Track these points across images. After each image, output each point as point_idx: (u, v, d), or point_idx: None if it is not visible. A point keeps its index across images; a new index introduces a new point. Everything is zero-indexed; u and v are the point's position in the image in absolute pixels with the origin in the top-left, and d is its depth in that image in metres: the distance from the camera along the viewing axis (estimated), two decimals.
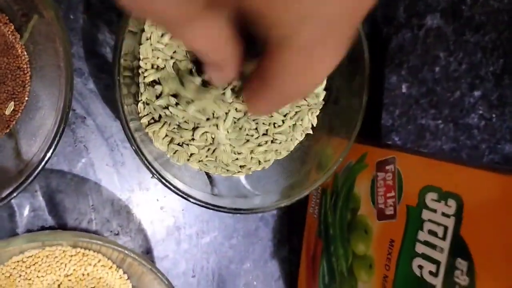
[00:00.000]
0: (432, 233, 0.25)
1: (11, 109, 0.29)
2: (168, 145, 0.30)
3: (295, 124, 0.32)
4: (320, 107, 0.32)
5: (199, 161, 0.31)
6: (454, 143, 0.43)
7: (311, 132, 0.33)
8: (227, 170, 0.31)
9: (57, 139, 0.25)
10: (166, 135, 0.30)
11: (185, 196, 0.28)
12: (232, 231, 0.38)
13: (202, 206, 0.29)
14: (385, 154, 0.30)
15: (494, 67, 0.43)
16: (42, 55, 0.29)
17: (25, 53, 0.29)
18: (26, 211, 0.32)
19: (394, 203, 0.28)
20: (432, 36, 0.41)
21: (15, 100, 0.29)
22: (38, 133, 0.28)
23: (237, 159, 0.31)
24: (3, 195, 0.26)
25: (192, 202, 0.28)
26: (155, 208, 0.35)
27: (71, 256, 0.30)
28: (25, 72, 0.29)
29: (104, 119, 0.33)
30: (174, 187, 0.28)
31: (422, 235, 0.26)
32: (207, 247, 0.37)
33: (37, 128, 0.28)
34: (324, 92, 0.32)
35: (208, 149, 0.30)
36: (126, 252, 0.29)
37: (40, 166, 0.25)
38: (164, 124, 0.29)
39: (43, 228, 0.33)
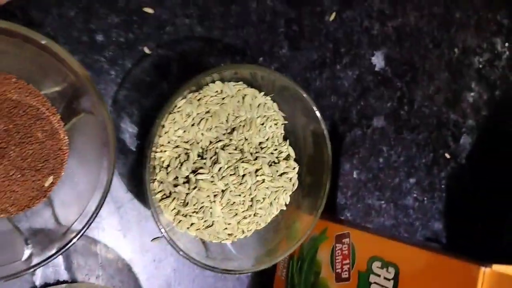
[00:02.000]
0: None
1: (50, 182, 0.36)
2: (175, 215, 0.37)
3: (272, 202, 0.40)
4: (293, 190, 0.41)
5: (197, 229, 0.38)
6: (394, 220, 0.52)
7: (284, 208, 0.41)
8: (218, 237, 0.39)
9: (96, 213, 0.32)
10: (174, 208, 0.37)
11: (187, 257, 0.35)
12: None
13: (200, 266, 0.36)
14: (342, 229, 0.39)
15: (425, 160, 0.53)
16: (82, 138, 0.36)
17: (66, 137, 0.36)
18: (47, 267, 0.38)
19: (348, 268, 0.37)
20: (377, 134, 0.51)
21: (54, 174, 0.36)
22: (74, 204, 0.34)
23: (226, 228, 0.39)
24: (47, 256, 0.32)
25: (192, 262, 0.35)
26: (151, 267, 0.42)
27: None
28: (64, 152, 0.36)
29: (117, 191, 0.40)
30: (179, 249, 0.35)
31: None
32: None
33: (74, 199, 0.35)
34: (297, 178, 0.41)
35: (205, 220, 0.38)
36: None
37: (80, 234, 0.32)
38: (173, 199, 0.37)
39: (58, 282, 0.39)
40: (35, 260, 0.33)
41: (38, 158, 0.35)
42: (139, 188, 0.41)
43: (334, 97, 0.49)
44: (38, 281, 0.38)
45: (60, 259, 0.39)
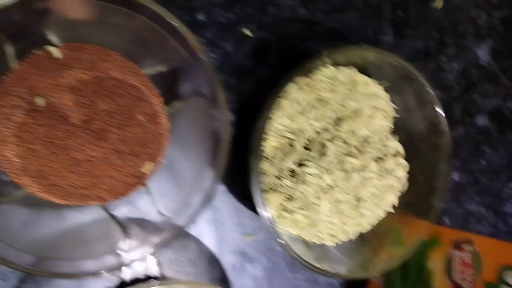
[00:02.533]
0: None
1: (149, 168, 0.33)
2: (280, 211, 0.34)
3: (379, 202, 0.36)
4: (402, 190, 0.37)
5: (301, 228, 0.35)
6: (493, 228, 0.47)
7: (391, 210, 0.37)
8: (320, 238, 0.35)
9: (203, 207, 0.30)
10: (279, 203, 0.34)
11: (293, 253, 0.33)
12: None
13: (304, 265, 0.33)
14: (462, 235, 0.35)
15: None
16: (184, 124, 0.32)
17: (167, 122, 0.33)
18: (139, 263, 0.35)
19: (472, 279, 0.32)
20: (480, 133, 0.46)
21: (153, 161, 0.33)
22: (173, 194, 0.32)
23: (330, 229, 0.35)
24: (147, 249, 0.30)
25: (298, 260, 0.33)
26: (242, 266, 0.39)
27: None
28: (164, 138, 0.33)
29: None
30: (285, 242, 0.32)
31: None
32: None
33: (172, 189, 0.32)
34: (406, 177, 0.37)
35: (310, 219, 0.34)
36: None
37: (183, 227, 0.29)
38: (279, 193, 0.34)
39: (148, 277, 0.36)
40: (133, 253, 0.30)
41: (138, 142, 0.32)
42: (232, 179, 0.38)
43: (438, 91, 0.44)
44: (127, 275, 0.35)
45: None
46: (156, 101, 0.33)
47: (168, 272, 0.37)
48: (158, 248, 0.30)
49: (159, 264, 0.36)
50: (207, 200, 0.30)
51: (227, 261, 0.39)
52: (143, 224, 0.32)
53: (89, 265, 0.29)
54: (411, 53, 0.43)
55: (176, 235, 0.30)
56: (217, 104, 0.29)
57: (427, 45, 0.44)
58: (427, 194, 0.36)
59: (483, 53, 0.46)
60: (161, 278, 0.36)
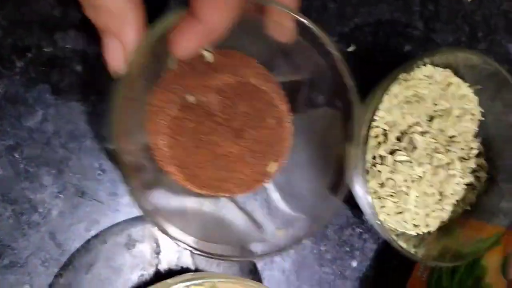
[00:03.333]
0: None
1: (274, 168, 0.35)
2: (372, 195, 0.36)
3: (459, 200, 0.39)
4: (482, 190, 0.39)
5: (387, 214, 0.37)
6: None
7: (469, 208, 0.39)
8: (404, 227, 0.38)
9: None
10: (371, 187, 0.36)
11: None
12: None
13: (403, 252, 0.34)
14: None
15: None
16: (307, 133, 0.35)
17: (292, 127, 0.36)
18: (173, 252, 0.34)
19: None
20: None
21: (277, 162, 0.36)
22: (294, 195, 0.35)
23: (414, 219, 0.37)
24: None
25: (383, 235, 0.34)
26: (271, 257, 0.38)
27: None
28: (288, 142, 0.36)
29: None
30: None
31: None
32: None
33: (292, 189, 0.35)
34: (486, 179, 0.39)
35: (398, 206, 0.36)
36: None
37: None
38: (372, 178, 0.36)
39: (182, 268, 0.35)
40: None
41: (267, 143, 0.35)
42: None
43: None
44: (162, 265, 0.34)
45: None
46: (284, 107, 0.35)
47: (201, 263, 0.36)
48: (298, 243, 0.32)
49: (192, 255, 0.36)
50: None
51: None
52: (272, 218, 0.35)
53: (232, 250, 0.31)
54: (441, 47, 0.43)
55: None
56: (349, 117, 0.31)
57: (457, 39, 0.44)
58: (501, 197, 0.38)
59: None
60: (194, 270, 0.35)
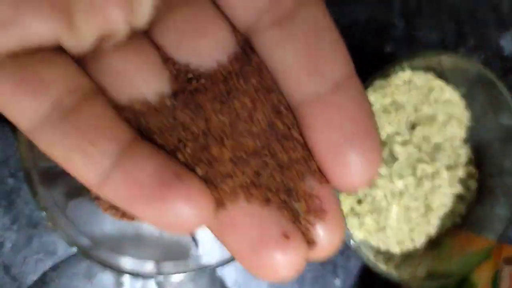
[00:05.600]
0: None
1: None
2: (348, 213, 0.34)
3: (447, 212, 0.35)
4: (471, 200, 0.36)
5: (367, 231, 0.34)
6: None
7: (459, 220, 0.36)
8: (386, 243, 0.35)
9: None
10: (348, 204, 0.34)
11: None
12: None
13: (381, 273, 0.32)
14: None
15: None
16: None
17: None
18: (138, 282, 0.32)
19: None
20: None
21: None
22: None
23: (396, 235, 0.35)
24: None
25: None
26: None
27: None
28: None
29: None
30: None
31: None
32: None
33: None
34: (476, 187, 0.36)
35: (378, 223, 0.34)
36: None
37: None
38: (348, 194, 0.34)
39: None
40: (207, 258, 0.30)
41: None
42: None
43: None
44: None
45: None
46: None
47: None
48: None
49: (158, 284, 0.33)
50: None
51: (230, 278, 0.36)
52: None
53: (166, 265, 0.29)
54: (426, 46, 0.40)
55: None
56: None
57: (443, 37, 0.41)
58: (492, 207, 0.35)
59: (506, 43, 0.43)
60: None
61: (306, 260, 0.13)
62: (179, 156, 0.14)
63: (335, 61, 0.14)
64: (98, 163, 0.13)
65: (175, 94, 0.14)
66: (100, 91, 0.14)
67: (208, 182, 0.13)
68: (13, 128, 0.31)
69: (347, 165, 0.13)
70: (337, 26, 0.37)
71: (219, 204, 0.13)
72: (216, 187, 0.13)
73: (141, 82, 0.14)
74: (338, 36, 0.14)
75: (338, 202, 0.14)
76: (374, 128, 0.14)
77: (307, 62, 0.14)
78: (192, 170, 0.13)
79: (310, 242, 0.14)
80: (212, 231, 0.14)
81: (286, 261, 0.13)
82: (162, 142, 0.14)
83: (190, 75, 0.14)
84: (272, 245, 0.13)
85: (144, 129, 0.14)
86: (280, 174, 0.14)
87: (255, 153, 0.14)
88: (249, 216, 0.13)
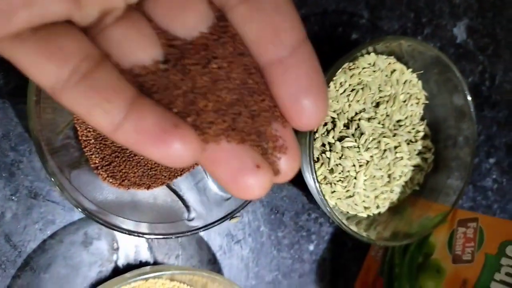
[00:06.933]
0: (509, 274, 0.29)
1: None
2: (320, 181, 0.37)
3: (407, 181, 0.40)
4: (428, 170, 0.41)
5: (338, 198, 0.38)
6: (472, 202, 0.47)
7: (417, 188, 0.41)
8: (355, 209, 0.39)
9: None
10: (321, 173, 0.37)
11: (334, 216, 0.38)
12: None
13: (355, 235, 0.35)
14: (466, 214, 0.38)
15: (506, 139, 0.48)
16: None
17: None
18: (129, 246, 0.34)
19: (472, 251, 0.36)
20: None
21: None
22: None
23: (363, 201, 0.39)
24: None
25: (337, 222, 0.35)
26: (229, 247, 0.39)
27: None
28: None
29: None
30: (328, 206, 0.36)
31: (499, 276, 0.31)
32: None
33: None
34: (432, 158, 0.41)
35: (347, 190, 0.37)
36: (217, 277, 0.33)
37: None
38: (321, 164, 0.37)
39: (140, 263, 0.35)
40: (196, 223, 0.33)
41: None
42: None
43: None
44: (120, 260, 0.34)
45: (142, 239, 0.34)
46: None
47: (159, 257, 0.36)
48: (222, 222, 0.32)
49: (149, 248, 0.35)
50: None
51: (215, 243, 0.39)
52: (202, 201, 0.35)
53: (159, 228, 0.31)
54: (387, 34, 0.44)
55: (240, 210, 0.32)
56: None
57: (403, 26, 0.45)
58: (447, 177, 0.40)
59: (459, 32, 0.47)
60: (152, 263, 0.35)
61: (272, 183, 0.17)
62: (174, 108, 0.17)
63: (292, 29, 0.17)
64: (114, 116, 0.16)
65: (166, 60, 0.17)
66: (106, 58, 0.17)
67: (197, 128, 0.17)
68: (13, 105, 0.33)
69: (303, 110, 0.17)
70: (310, 14, 0.40)
71: (206, 143, 0.17)
72: (203, 132, 0.17)
73: (138, 49, 0.17)
74: (293, 7, 0.18)
75: (296, 140, 0.18)
76: (322, 81, 0.18)
77: (270, 32, 0.17)
78: (184, 119, 0.17)
79: (276, 171, 0.18)
80: (204, 167, 0.18)
81: (258, 184, 0.17)
82: (159, 98, 0.17)
83: (178, 43, 0.18)
84: (248, 173, 0.17)
85: (144, 88, 0.17)
86: (252, 120, 0.18)
87: (232, 105, 0.17)
88: (229, 153, 0.17)
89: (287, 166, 0.18)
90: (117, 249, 0.35)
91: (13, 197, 0.33)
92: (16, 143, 0.33)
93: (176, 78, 0.17)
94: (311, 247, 0.41)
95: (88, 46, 0.16)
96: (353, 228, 0.36)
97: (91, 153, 0.32)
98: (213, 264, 0.38)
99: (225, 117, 0.17)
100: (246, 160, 0.17)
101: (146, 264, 0.36)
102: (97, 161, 0.32)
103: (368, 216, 0.39)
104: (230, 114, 0.17)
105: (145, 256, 0.36)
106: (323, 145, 0.37)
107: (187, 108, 0.17)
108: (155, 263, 0.36)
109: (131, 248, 0.36)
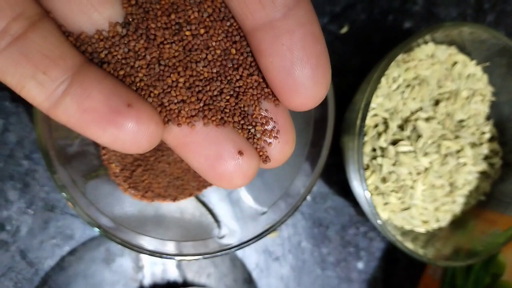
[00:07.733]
0: None
1: None
2: (372, 192, 0.33)
3: (472, 190, 0.34)
4: (495, 178, 0.35)
5: (391, 210, 0.33)
6: None
7: (483, 198, 0.35)
8: (411, 223, 0.34)
9: (303, 199, 0.28)
10: (372, 183, 0.32)
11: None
12: None
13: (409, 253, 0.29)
14: None
15: None
16: None
17: None
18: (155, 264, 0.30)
19: None
20: None
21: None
22: (274, 185, 0.31)
23: (422, 213, 0.33)
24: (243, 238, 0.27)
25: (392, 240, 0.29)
26: (267, 265, 0.34)
27: None
28: None
29: None
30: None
31: None
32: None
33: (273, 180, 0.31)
34: (500, 162, 0.35)
35: (403, 202, 0.32)
36: None
37: (284, 219, 0.28)
38: (372, 172, 0.32)
39: (168, 283, 0.31)
40: (229, 240, 0.29)
41: None
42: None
43: None
44: (146, 280, 0.31)
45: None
46: None
47: (189, 275, 0.32)
48: (259, 239, 0.28)
49: (178, 266, 0.32)
50: (305, 195, 0.28)
51: (251, 260, 0.35)
52: (235, 214, 0.31)
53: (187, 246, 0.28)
54: (444, 22, 0.38)
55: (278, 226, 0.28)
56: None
57: (462, 13, 0.40)
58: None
59: None
60: (181, 283, 0.31)
61: (257, 171, 0.14)
62: (131, 82, 0.14)
63: None
64: (50, 90, 0.13)
65: (126, 22, 0.14)
66: (48, 16, 0.13)
67: (163, 108, 0.14)
68: (27, 108, 0.30)
69: (298, 87, 0.14)
70: (357, 1, 0.35)
71: (179, 126, 0.14)
72: (173, 112, 0.14)
73: (90, 7, 0.14)
74: None
75: (290, 120, 0.15)
76: (322, 51, 0.14)
77: None
78: (146, 95, 0.14)
79: (265, 157, 0.15)
80: (176, 151, 0.15)
81: (240, 173, 0.14)
82: (112, 69, 0.14)
83: (141, 0, 0.14)
84: (227, 160, 0.14)
85: (95, 57, 0.14)
86: (235, 99, 0.15)
87: (210, 80, 0.14)
88: (206, 137, 0.14)
89: (278, 152, 0.15)
90: (142, 267, 0.32)
91: (28, 210, 0.30)
92: (31, 150, 0.30)
93: (138, 46, 0.14)
94: (360, 265, 0.37)
95: (20, 1, 0.13)
96: (409, 245, 0.31)
97: (111, 161, 0.28)
98: (248, 283, 0.34)
99: (200, 95, 0.14)
100: (226, 145, 0.14)
101: (174, 284, 0.32)
102: (117, 170, 0.28)
103: (427, 231, 0.34)
104: (208, 92, 0.14)
105: (173, 274, 0.32)
106: (374, 150, 0.32)
107: (152, 83, 0.14)
108: (185, 282, 0.32)
109: (158, 266, 0.32)
